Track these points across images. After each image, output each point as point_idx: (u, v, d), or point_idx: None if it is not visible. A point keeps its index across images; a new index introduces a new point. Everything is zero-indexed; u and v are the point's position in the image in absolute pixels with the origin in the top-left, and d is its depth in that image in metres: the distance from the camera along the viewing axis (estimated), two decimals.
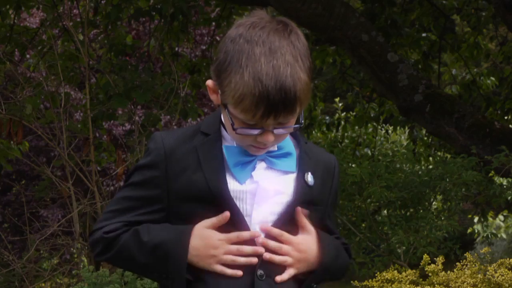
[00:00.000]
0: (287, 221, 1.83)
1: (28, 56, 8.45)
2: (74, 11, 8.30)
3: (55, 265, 5.88)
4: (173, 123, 6.44)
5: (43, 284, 5.84)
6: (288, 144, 1.88)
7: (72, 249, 6.30)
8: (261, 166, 1.84)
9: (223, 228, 1.79)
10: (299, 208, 1.82)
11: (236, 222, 1.79)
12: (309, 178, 1.85)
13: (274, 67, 1.71)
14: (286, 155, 1.86)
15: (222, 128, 1.87)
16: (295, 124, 1.80)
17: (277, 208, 1.82)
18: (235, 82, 1.72)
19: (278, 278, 1.80)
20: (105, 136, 7.23)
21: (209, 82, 1.83)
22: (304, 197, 1.84)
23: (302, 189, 1.83)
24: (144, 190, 1.84)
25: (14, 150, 6.27)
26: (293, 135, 1.92)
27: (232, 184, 1.80)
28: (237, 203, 1.80)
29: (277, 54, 1.73)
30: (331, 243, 1.91)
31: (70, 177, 5.66)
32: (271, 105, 1.71)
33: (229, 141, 1.85)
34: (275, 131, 1.77)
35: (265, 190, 1.81)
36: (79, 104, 8.63)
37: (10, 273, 5.80)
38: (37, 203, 8.78)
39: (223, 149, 1.82)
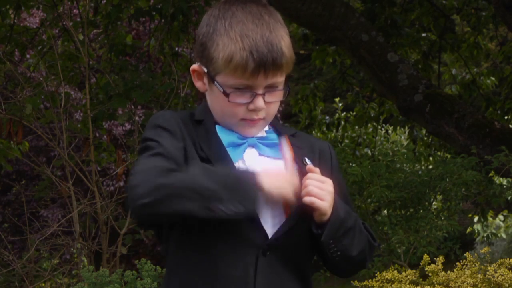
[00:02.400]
0: (299, 206, 1.83)
1: (28, 56, 8.45)
2: (74, 11, 8.30)
3: (55, 265, 5.88)
4: None
5: (43, 284, 5.84)
6: (273, 135, 1.90)
7: (72, 249, 6.30)
8: (251, 152, 1.85)
9: None
10: (310, 166, 1.82)
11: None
12: (307, 161, 1.86)
13: (257, 25, 1.79)
14: (274, 145, 1.88)
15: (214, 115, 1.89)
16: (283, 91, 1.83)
17: None
18: (222, 43, 1.78)
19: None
20: (105, 136, 7.23)
21: (194, 66, 1.88)
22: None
23: (302, 174, 1.84)
24: (171, 140, 1.79)
25: (14, 150, 6.28)
26: (277, 131, 1.93)
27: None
28: None
29: (257, 15, 1.80)
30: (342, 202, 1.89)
31: (70, 177, 5.66)
32: (260, 58, 1.76)
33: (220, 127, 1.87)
34: (266, 97, 1.80)
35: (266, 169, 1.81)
36: (79, 104, 8.64)
37: (10, 273, 5.80)
38: (37, 203, 8.78)
39: (216, 130, 1.83)
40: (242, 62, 1.76)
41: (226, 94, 1.79)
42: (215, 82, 1.81)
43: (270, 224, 1.81)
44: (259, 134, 1.88)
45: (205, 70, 1.84)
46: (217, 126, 1.85)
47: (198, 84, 1.89)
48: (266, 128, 1.92)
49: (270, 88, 1.81)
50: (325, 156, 1.95)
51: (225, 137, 1.84)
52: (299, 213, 1.83)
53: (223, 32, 1.79)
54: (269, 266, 1.79)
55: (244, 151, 1.85)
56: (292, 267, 1.84)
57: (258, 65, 1.76)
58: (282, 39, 1.80)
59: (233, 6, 1.82)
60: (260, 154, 1.87)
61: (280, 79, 1.82)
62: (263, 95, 1.80)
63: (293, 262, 1.84)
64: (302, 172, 1.84)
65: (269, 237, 1.79)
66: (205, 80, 1.86)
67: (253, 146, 1.86)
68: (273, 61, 1.77)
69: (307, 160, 1.86)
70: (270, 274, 1.79)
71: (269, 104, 1.83)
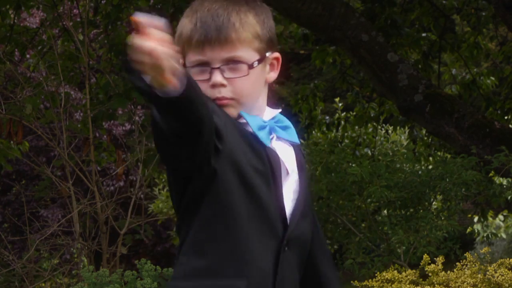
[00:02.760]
0: (308, 198, 1.85)
1: (28, 56, 8.45)
2: (74, 11, 8.30)
3: (55, 265, 5.88)
4: None
5: (43, 284, 5.84)
6: (285, 119, 1.89)
7: (72, 249, 6.30)
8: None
9: (268, 193, 1.75)
10: None
11: (278, 192, 1.77)
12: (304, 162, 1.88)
13: (213, 2, 1.77)
14: (287, 128, 1.86)
15: None
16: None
17: (293, 186, 1.82)
18: (180, 22, 1.79)
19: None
20: (105, 136, 7.23)
21: None
22: (307, 179, 1.87)
23: (304, 172, 1.86)
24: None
25: (14, 150, 6.28)
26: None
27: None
28: None
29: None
30: None
31: (70, 177, 5.67)
32: (203, 28, 1.73)
33: None
34: (226, 73, 1.74)
35: (285, 166, 1.81)
36: (79, 104, 8.64)
37: (10, 273, 5.80)
38: (37, 203, 8.79)
39: (242, 115, 1.78)
40: (187, 34, 1.75)
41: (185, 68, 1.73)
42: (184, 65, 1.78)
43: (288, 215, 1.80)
44: (271, 115, 1.84)
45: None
46: (242, 112, 1.79)
47: None
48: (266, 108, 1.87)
49: (230, 62, 1.75)
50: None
51: (253, 120, 1.79)
52: (305, 206, 1.83)
53: (185, 13, 1.80)
54: (287, 261, 1.78)
55: (269, 133, 1.81)
56: (299, 263, 1.83)
57: (201, 36, 1.73)
58: (237, 13, 1.75)
59: None
60: (277, 138, 1.84)
61: (238, 53, 1.75)
62: (220, 69, 1.74)
63: (300, 257, 1.83)
64: (304, 173, 1.86)
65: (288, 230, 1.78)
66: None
67: (272, 129, 1.83)
68: (217, 31, 1.73)
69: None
70: (287, 270, 1.77)
71: (231, 80, 1.75)
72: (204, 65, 1.75)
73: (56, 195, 6.43)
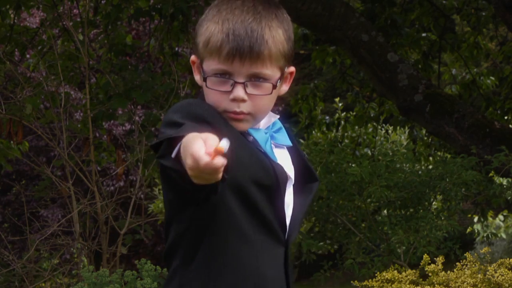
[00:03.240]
0: (307, 207, 1.87)
1: (28, 56, 8.45)
2: (74, 11, 8.30)
3: (55, 265, 5.88)
4: None
5: (43, 284, 5.84)
6: (277, 121, 1.85)
7: (72, 249, 6.30)
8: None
9: (266, 201, 1.75)
10: None
11: (279, 200, 1.77)
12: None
13: (244, 12, 1.72)
14: (279, 130, 1.84)
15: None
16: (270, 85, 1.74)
17: (291, 190, 1.82)
18: (206, 28, 1.73)
19: None
20: (105, 136, 7.23)
21: (192, 56, 1.82)
22: (309, 180, 1.88)
23: (306, 172, 1.87)
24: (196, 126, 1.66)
25: (14, 150, 6.27)
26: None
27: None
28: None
29: (250, 5, 1.74)
30: None
31: (70, 177, 5.66)
32: (235, 41, 1.68)
33: None
34: (248, 89, 1.72)
35: (287, 175, 1.80)
36: (79, 104, 8.64)
37: (10, 273, 5.80)
38: (37, 203, 8.79)
39: (248, 130, 1.77)
40: (217, 44, 1.70)
41: (205, 79, 1.73)
42: (202, 69, 1.75)
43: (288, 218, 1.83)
44: (269, 122, 1.82)
45: (197, 55, 1.78)
46: (249, 129, 1.78)
47: (197, 77, 1.82)
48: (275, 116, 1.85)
49: (254, 78, 1.73)
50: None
51: (259, 135, 1.78)
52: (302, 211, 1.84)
53: (211, 17, 1.74)
54: (290, 265, 1.81)
55: (271, 145, 1.80)
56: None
57: (233, 49, 1.68)
58: (269, 29, 1.72)
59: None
60: (276, 146, 1.83)
61: (265, 71, 1.72)
62: (244, 85, 1.72)
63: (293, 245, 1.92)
64: (306, 173, 1.86)
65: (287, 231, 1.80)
66: (198, 57, 1.79)
67: (270, 137, 1.82)
68: (250, 47, 1.69)
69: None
70: (290, 273, 1.81)
71: (253, 97, 1.73)
72: (227, 75, 1.72)
73: (56, 195, 6.43)
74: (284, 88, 1.85)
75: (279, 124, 1.85)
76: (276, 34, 1.73)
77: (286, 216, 1.79)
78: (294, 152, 1.88)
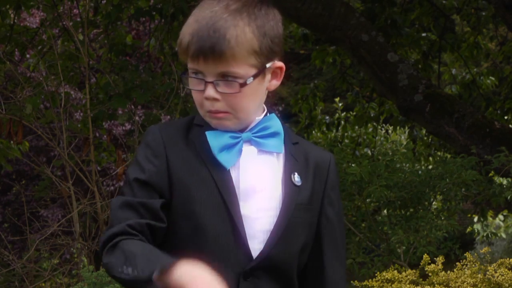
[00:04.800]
0: (285, 226, 1.77)
1: (28, 56, 8.45)
2: (74, 11, 8.30)
3: (55, 265, 5.88)
4: None
5: (43, 284, 5.84)
6: (276, 124, 1.83)
7: (72, 249, 6.30)
8: (248, 150, 1.79)
9: (221, 223, 1.73)
10: None
11: (235, 219, 1.74)
12: (296, 177, 1.79)
13: (213, 12, 1.74)
14: (274, 134, 1.81)
15: None
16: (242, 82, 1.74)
17: (263, 204, 1.77)
18: (183, 28, 1.78)
19: None
20: (105, 136, 7.23)
21: None
22: (293, 199, 1.78)
23: (290, 189, 1.78)
24: (147, 189, 1.76)
25: (14, 150, 6.28)
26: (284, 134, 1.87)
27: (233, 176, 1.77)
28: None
29: (223, 3, 1.76)
30: None
31: (70, 177, 5.67)
32: (199, 42, 1.72)
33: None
34: (219, 87, 1.73)
35: (250, 186, 1.76)
36: (79, 104, 8.64)
37: (10, 273, 5.80)
38: (37, 203, 8.78)
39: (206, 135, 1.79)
40: (185, 45, 1.74)
41: (180, 78, 1.80)
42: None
43: (259, 240, 1.76)
44: (252, 125, 1.80)
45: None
46: (207, 132, 1.79)
47: None
48: (262, 114, 1.83)
49: (224, 77, 1.74)
50: (321, 171, 1.86)
51: (216, 141, 1.77)
52: (286, 229, 1.76)
53: (189, 19, 1.79)
54: None
55: (240, 151, 1.78)
56: (283, 286, 1.79)
57: (197, 50, 1.72)
58: (234, 28, 1.72)
59: None
60: (258, 151, 1.80)
61: (233, 69, 1.73)
62: (214, 84, 1.74)
63: (282, 281, 1.79)
64: (289, 190, 1.78)
65: (254, 257, 1.74)
66: None
67: (249, 141, 1.80)
68: (211, 47, 1.71)
69: (295, 177, 1.79)
70: None
71: (225, 96, 1.74)
72: (200, 74, 1.76)
73: (56, 195, 6.43)
74: (274, 83, 1.84)
75: (276, 127, 1.82)
76: (241, 33, 1.73)
77: (248, 236, 1.74)
78: (298, 158, 1.83)
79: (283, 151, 1.81)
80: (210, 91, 1.74)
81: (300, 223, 1.80)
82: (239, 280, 1.73)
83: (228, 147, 1.77)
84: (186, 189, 1.75)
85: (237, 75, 1.74)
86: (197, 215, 1.74)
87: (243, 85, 1.74)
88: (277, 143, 1.81)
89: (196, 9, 1.80)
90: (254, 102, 1.80)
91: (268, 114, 1.85)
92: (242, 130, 1.80)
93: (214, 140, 1.77)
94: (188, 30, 1.75)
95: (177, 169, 1.76)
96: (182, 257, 1.66)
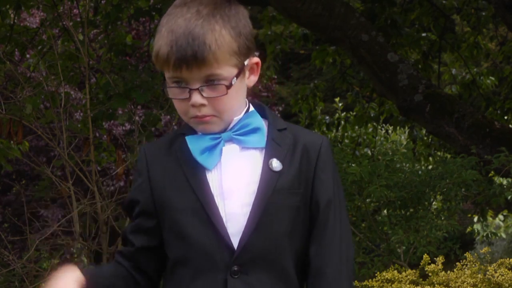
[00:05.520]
0: (261, 211, 1.77)
1: (28, 56, 8.45)
2: (74, 11, 8.30)
3: (55, 265, 5.87)
4: (173, 123, 6.45)
5: (43, 284, 5.83)
6: (256, 120, 1.84)
7: (72, 249, 6.30)
8: (230, 148, 1.81)
9: (201, 226, 1.77)
10: None
11: (214, 220, 1.76)
12: (274, 163, 1.79)
13: (187, 20, 1.75)
14: (255, 130, 1.82)
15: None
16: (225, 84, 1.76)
17: (247, 199, 1.77)
18: (157, 39, 1.78)
19: None
20: (105, 136, 7.23)
21: None
22: (271, 184, 1.78)
23: (267, 176, 1.78)
24: (137, 209, 1.88)
25: (14, 150, 6.27)
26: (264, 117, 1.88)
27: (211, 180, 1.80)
28: (216, 200, 1.78)
29: (195, 9, 1.76)
30: None
31: (70, 177, 5.66)
32: (179, 52, 1.72)
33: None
34: (204, 92, 1.75)
35: (233, 184, 1.79)
36: (79, 104, 8.64)
37: (10, 273, 5.79)
38: (37, 203, 8.78)
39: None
40: (164, 56, 1.75)
41: (164, 90, 1.81)
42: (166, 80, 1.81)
43: (239, 235, 1.78)
44: (232, 125, 1.82)
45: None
46: (187, 137, 1.81)
47: None
48: (242, 112, 1.84)
49: (209, 81, 1.76)
50: (310, 154, 1.84)
51: (196, 145, 1.80)
52: (264, 215, 1.77)
53: (160, 28, 1.79)
54: (243, 287, 1.75)
55: (221, 151, 1.80)
56: (276, 279, 1.78)
57: (178, 59, 1.73)
58: (212, 33, 1.74)
59: (181, 3, 1.80)
60: (242, 148, 1.81)
61: (217, 71, 1.75)
62: (199, 90, 1.75)
63: (274, 274, 1.78)
64: (265, 176, 1.79)
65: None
66: None
67: (230, 140, 1.82)
68: (193, 55, 1.72)
69: (273, 163, 1.80)
70: None
71: (211, 100, 1.76)
72: (183, 83, 1.77)
73: (56, 195, 6.43)
74: (253, 79, 1.85)
75: (256, 124, 1.83)
76: (220, 37, 1.75)
77: (231, 235, 1.76)
78: (281, 150, 1.83)
79: (264, 145, 1.82)
80: (197, 98, 1.76)
81: (281, 208, 1.78)
82: (226, 279, 1.74)
83: (209, 149, 1.80)
84: (167, 201, 1.81)
85: (221, 77, 1.76)
86: (180, 223, 1.79)
87: (229, 86, 1.76)
88: (258, 139, 1.82)
89: (164, 18, 1.80)
90: (237, 101, 1.82)
91: (250, 109, 1.86)
92: (222, 131, 1.82)
93: (195, 144, 1.80)
94: (164, 41, 1.75)
95: (158, 183, 1.82)
96: (175, 265, 1.79)
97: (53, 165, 6.15)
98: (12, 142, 6.20)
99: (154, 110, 6.65)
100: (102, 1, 7.26)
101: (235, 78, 1.77)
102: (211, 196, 1.77)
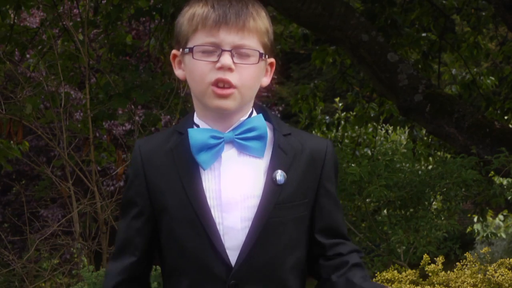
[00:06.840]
0: (262, 227, 1.72)
1: (28, 56, 8.45)
2: (74, 11, 8.30)
3: (55, 265, 5.88)
4: (173, 123, 6.44)
5: (43, 284, 5.84)
6: (262, 126, 1.77)
7: (72, 249, 6.30)
8: (230, 154, 1.75)
9: (198, 239, 1.72)
10: None
11: (210, 233, 1.71)
12: (278, 176, 1.73)
13: None
14: (259, 138, 1.75)
15: (195, 125, 1.81)
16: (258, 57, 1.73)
17: (247, 214, 1.72)
18: (188, 8, 1.74)
19: None
20: (105, 136, 7.23)
21: (173, 51, 1.81)
22: (274, 199, 1.72)
23: (270, 189, 1.72)
24: (133, 206, 1.82)
25: (14, 150, 6.27)
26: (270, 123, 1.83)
27: (207, 184, 1.74)
28: (212, 211, 1.71)
29: None
30: None
31: (70, 177, 5.66)
32: (221, 9, 1.69)
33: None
34: (235, 58, 1.69)
35: (232, 196, 1.72)
36: (79, 104, 8.64)
37: (10, 273, 5.80)
38: (37, 203, 8.78)
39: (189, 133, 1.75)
40: (202, 15, 1.70)
41: (191, 50, 1.71)
42: (185, 49, 1.74)
43: (237, 249, 1.73)
44: (236, 125, 1.76)
45: (180, 50, 1.77)
46: (189, 130, 1.74)
47: (178, 72, 1.81)
48: (247, 114, 1.79)
49: (240, 49, 1.71)
50: (316, 161, 1.80)
51: (197, 137, 1.72)
52: (264, 231, 1.72)
53: (190, 4, 1.76)
54: None
55: (220, 152, 1.74)
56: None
57: (219, 16, 1.68)
58: (252, 6, 1.73)
59: None
60: (240, 153, 1.75)
61: (250, 43, 1.71)
62: (231, 53, 1.70)
63: (274, 283, 1.75)
64: (268, 190, 1.73)
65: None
66: (182, 61, 1.79)
67: (231, 143, 1.75)
68: (236, 16, 1.69)
69: (278, 175, 1.72)
70: None
71: (240, 68, 1.70)
72: (213, 47, 1.70)
73: (56, 195, 6.43)
74: (265, 80, 1.82)
75: (260, 131, 1.77)
76: (260, 10, 1.75)
77: (228, 249, 1.72)
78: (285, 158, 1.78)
79: (263, 155, 1.76)
80: (227, 59, 1.69)
81: (282, 222, 1.74)
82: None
83: (208, 148, 1.73)
84: (164, 208, 1.75)
85: (254, 48, 1.72)
86: (176, 233, 1.74)
87: (261, 56, 1.73)
88: (260, 147, 1.75)
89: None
90: (256, 85, 1.78)
91: (253, 113, 1.82)
92: (224, 129, 1.76)
93: (195, 138, 1.72)
94: (201, 5, 1.71)
95: (155, 187, 1.76)
96: (172, 272, 1.76)
97: (53, 165, 6.15)
98: (12, 142, 6.20)
99: (154, 110, 6.65)
100: (102, 1, 7.26)
101: (264, 56, 1.74)
102: (208, 209, 1.71)
